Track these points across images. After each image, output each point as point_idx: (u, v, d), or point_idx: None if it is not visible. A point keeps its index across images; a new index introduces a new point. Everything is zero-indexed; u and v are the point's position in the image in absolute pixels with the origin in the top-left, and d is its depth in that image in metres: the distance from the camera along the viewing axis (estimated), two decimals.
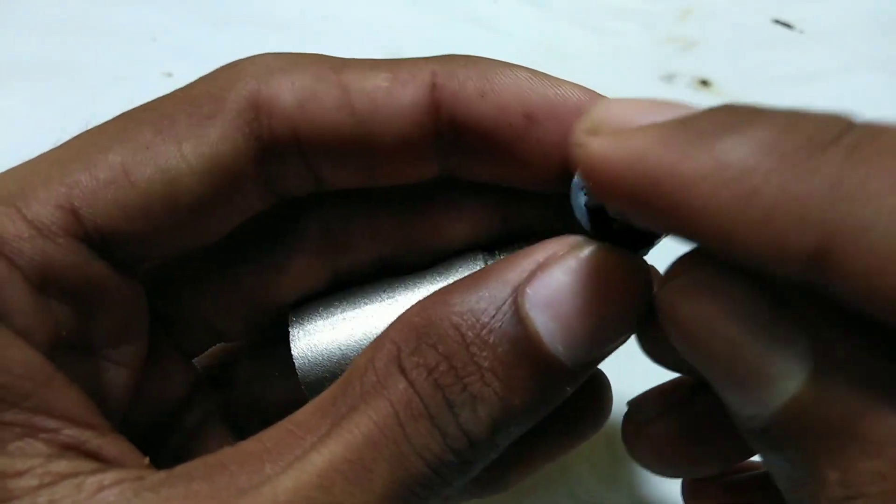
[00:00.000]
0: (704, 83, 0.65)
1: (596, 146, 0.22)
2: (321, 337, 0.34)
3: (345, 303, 0.34)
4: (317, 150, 0.31)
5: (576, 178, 0.29)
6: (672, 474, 0.33)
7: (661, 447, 0.32)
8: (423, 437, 0.26)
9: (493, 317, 0.26)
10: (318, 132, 0.30)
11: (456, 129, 0.31)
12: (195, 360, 0.38)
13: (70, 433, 0.26)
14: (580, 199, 0.29)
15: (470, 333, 0.26)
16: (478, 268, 0.33)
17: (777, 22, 0.71)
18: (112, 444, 0.27)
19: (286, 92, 0.30)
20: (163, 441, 0.35)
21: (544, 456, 0.37)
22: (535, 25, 0.73)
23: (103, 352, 0.31)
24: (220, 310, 0.36)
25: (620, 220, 0.28)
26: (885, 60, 0.67)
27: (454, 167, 0.33)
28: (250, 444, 0.26)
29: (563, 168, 0.30)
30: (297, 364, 0.33)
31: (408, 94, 0.30)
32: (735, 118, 0.21)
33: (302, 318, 0.34)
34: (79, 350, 0.30)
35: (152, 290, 0.33)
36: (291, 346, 0.33)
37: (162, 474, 0.25)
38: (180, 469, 0.25)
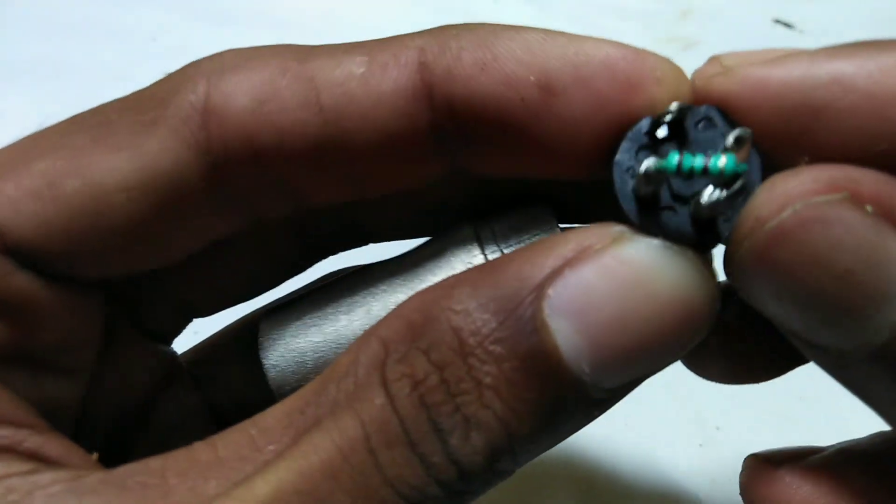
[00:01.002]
0: None
1: (757, 67, 0.22)
2: (294, 343, 0.29)
3: (322, 300, 0.30)
4: (284, 161, 0.26)
5: (619, 156, 0.23)
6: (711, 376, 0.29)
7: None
8: (398, 467, 0.21)
9: (504, 322, 0.21)
10: (280, 138, 0.25)
11: (456, 116, 0.25)
12: (183, 357, 0.36)
13: (5, 433, 0.24)
14: (627, 185, 0.23)
15: (471, 340, 0.21)
16: (470, 248, 0.28)
17: (777, 21, 0.71)
18: (53, 443, 0.25)
19: (240, 93, 0.25)
20: (139, 431, 0.33)
21: None
22: (535, 25, 0.73)
23: (44, 359, 0.28)
24: (186, 281, 0.32)
25: (679, 211, 0.22)
26: None
27: (466, 163, 0.27)
28: (203, 451, 0.23)
29: (598, 148, 0.24)
30: (268, 375, 0.29)
31: (389, 80, 0.25)
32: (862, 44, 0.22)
33: (273, 324, 0.30)
34: (13, 359, 0.27)
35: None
36: (261, 355, 0.30)
37: (99, 476, 0.23)
38: (119, 472, 0.23)
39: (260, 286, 0.34)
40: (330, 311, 0.29)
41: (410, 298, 0.23)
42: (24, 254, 0.25)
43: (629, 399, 0.34)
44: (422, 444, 0.21)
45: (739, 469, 0.45)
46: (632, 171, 0.23)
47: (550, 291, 0.21)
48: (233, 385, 0.35)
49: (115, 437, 0.31)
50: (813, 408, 0.49)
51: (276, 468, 0.21)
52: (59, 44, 0.70)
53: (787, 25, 0.71)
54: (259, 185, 0.27)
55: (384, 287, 0.29)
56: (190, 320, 0.35)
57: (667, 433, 0.48)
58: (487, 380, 0.21)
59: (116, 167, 0.25)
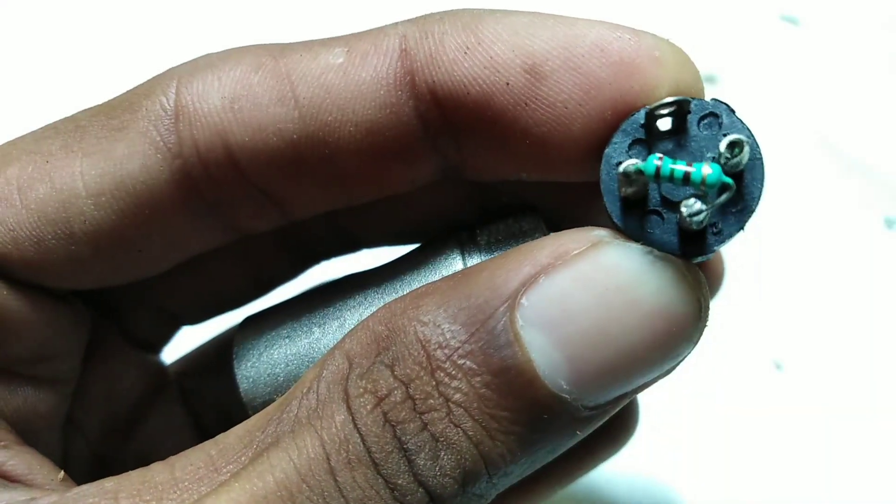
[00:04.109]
0: (710, 79, 0.65)
1: None
2: (267, 355, 0.28)
3: (298, 310, 0.29)
4: (261, 163, 0.24)
5: (609, 149, 0.21)
6: None
7: None
8: (360, 489, 0.19)
9: (474, 334, 0.19)
10: (255, 136, 0.24)
11: (440, 104, 0.23)
12: (171, 368, 0.35)
13: None
14: (614, 183, 0.21)
15: (439, 353, 0.20)
16: (452, 258, 0.27)
17: (784, 18, 0.71)
18: (19, 459, 0.24)
19: (211, 92, 0.24)
20: (127, 443, 0.32)
21: (552, 480, 0.32)
22: None
23: (20, 369, 0.27)
24: (170, 291, 0.31)
25: (667, 217, 0.21)
26: (891, 56, 0.66)
27: (456, 162, 0.25)
28: (160, 472, 0.22)
29: (592, 140, 0.22)
30: (240, 388, 0.28)
31: (369, 69, 0.24)
32: None
33: (248, 334, 0.29)
34: None
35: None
36: (234, 366, 0.28)
37: (52, 498, 0.22)
38: (72, 494, 0.22)
39: (248, 294, 0.33)
40: (304, 322, 0.28)
41: (379, 309, 0.21)
42: None
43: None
44: (385, 464, 0.19)
45: (742, 472, 0.45)
46: (625, 169, 0.21)
47: (524, 301, 0.19)
48: (217, 399, 0.34)
49: (104, 448, 0.31)
50: (816, 413, 0.49)
51: (228, 489, 0.20)
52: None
53: (794, 22, 0.71)
54: (238, 195, 0.25)
55: (360, 298, 0.27)
56: (178, 328, 0.34)
57: (666, 436, 0.47)
58: (457, 396, 0.19)
59: (82, 172, 0.24)
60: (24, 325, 0.26)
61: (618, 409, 0.21)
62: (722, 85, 0.64)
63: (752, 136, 0.21)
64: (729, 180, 0.20)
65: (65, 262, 0.25)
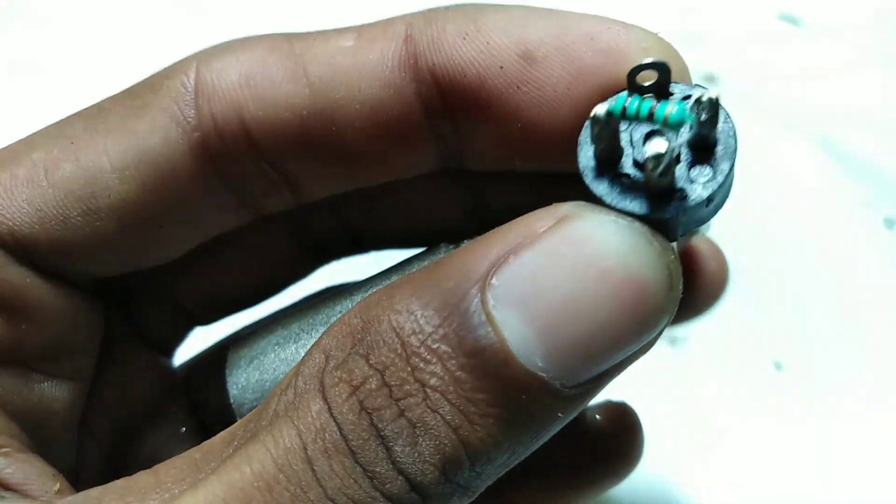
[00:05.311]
0: (710, 79, 0.65)
1: None
2: (255, 363, 0.28)
3: (289, 319, 0.29)
4: (273, 136, 0.26)
5: (589, 121, 0.22)
6: None
7: None
8: (338, 478, 0.19)
9: (447, 318, 0.19)
10: (268, 112, 0.25)
11: (439, 86, 0.25)
12: (179, 368, 0.35)
13: None
14: (587, 149, 0.22)
15: (413, 339, 0.20)
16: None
17: (783, 17, 0.71)
18: (16, 467, 0.24)
19: (229, 70, 0.26)
20: (139, 444, 0.32)
21: None
22: None
23: (35, 364, 0.27)
24: (183, 282, 0.32)
25: (634, 178, 0.21)
26: (891, 56, 0.66)
27: (456, 151, 0.27)
28: (144, 478, 0.22)
29: (579, 124, 0.23)
30: (230, 396, 0.28)
31: (375, 51, 0.25)
32: None
33: (241, 344, 0.30)
34: (2, 357, 0.26)
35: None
36: (226, 375, 0.29)
37: None
38: None
39: (260, 291, 0.33)
40: (294, 328, 0.29)
41: (357, 304, 0.22)
42: (19, 245, 0.25)
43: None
44: (363, 452, 0.19)
45: (742, 472, 0.45)
46: (598, 129, 0.21)
47: (494, 281, 0.19)
48: (219, 407, 0.34)
49: (116, 452, 0.31)
50: (815, 410, 0.49)
51: (206, 483, 0.20)
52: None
53: (793, 21, 0.71)
54: (251, 170, 0.27)
55: (347, 303, 0.28)
56: (191, 328, 0.34)
57: (666, 436, 0.47)
58: (433, 381, 0.19)
59: (106, 148, 0.25)
60: (45, 316, 0.26)
61: (600, 390, 0.21)
62: (722, 85, 0.64)
63: (729, 116, 0.21)
64: (692, 117, 0.20)
65: (89, 241, 0.26)
